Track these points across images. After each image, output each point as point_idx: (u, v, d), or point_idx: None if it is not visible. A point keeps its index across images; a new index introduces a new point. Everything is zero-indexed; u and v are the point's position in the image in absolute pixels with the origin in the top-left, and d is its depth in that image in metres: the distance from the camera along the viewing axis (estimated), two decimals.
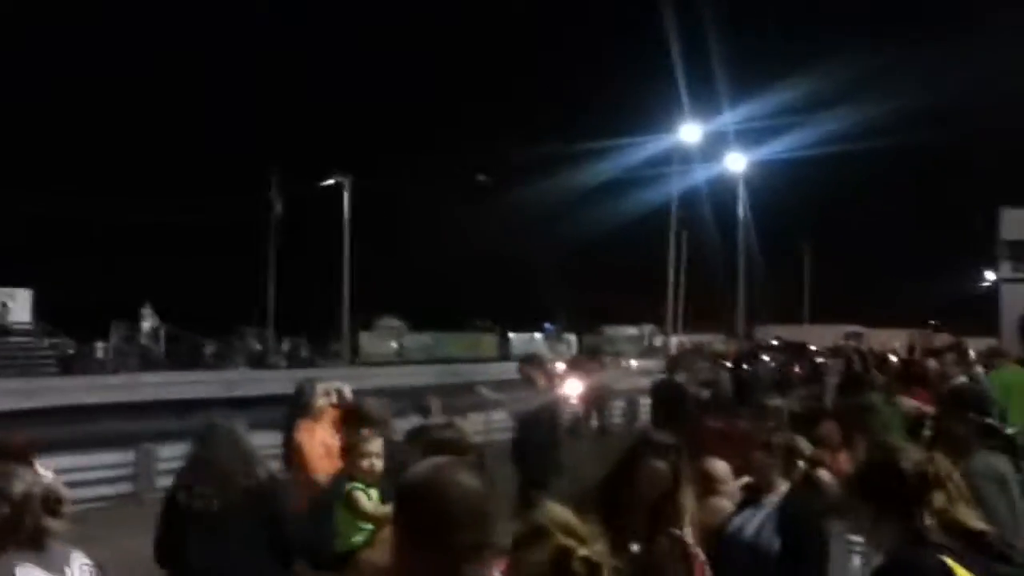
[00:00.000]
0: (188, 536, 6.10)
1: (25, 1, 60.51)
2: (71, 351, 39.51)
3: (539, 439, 11.15)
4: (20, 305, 39.41)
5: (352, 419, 7.52)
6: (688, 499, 4.47)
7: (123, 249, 56.52)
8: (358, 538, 6.12)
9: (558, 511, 3.14)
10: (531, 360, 12.83)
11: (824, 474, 7.71)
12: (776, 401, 8.94)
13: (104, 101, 64.59)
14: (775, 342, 42.76)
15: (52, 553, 4.05)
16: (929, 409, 10.93)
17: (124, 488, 15.02)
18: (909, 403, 10.89)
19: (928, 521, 3.01)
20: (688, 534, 4.37)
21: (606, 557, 2.96)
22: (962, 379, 10.90)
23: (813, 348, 34.08)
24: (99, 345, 40.67)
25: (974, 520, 3.03)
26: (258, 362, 43.01)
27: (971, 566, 2.89)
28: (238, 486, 6.11)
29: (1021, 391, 10.25)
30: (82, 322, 40.51)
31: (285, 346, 46.29)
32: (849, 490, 3.26)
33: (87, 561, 4.23)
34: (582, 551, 2.92)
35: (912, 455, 3.16)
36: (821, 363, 20.32)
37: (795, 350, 28.58)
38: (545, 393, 11.75)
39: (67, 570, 4.10)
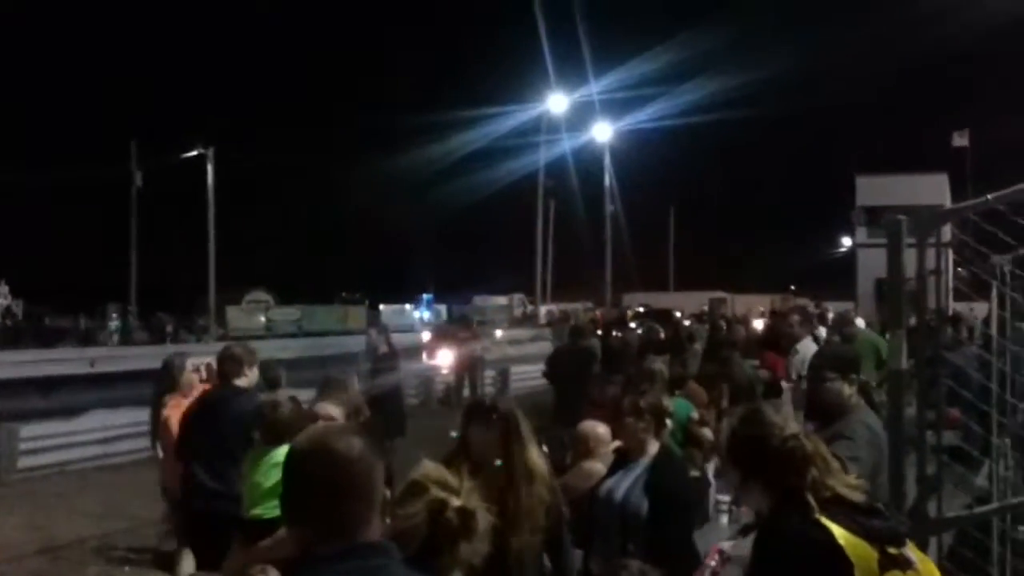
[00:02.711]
0: None
1: None
2: None
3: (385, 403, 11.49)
4: None
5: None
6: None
7: None
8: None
9: (432, 467, 3.22)
10: (375, 330, 13.44)
11: (707, 431, 7.96)
12: (655, 364, 9.15)
13: None
14: (642, 309, 43.58)
15: None
16: (781, 373, 11.50)
17: None
18: (763, 373, 11.47)
19: (803, 485, 3.19)
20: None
21: (481, 508, 3.04)
22: (809, 340, 11.48)
23: (679, 314, 34.79)
24: None
25: (844, 488, 3.24)
26: (126, 337, 41.72)
27: (843, 522, 3.08)
28: None
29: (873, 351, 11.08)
30: None
31: (122, 321, 44.53)
32: (724, 458, 3.41)
33: None
34: (456, 502, 3.00)
35: (785, 429, 3.32)
36: (688, 328, 20.71)
37: (662, 317, 29.06)
38: (387, 360, 12.07)
39: None
